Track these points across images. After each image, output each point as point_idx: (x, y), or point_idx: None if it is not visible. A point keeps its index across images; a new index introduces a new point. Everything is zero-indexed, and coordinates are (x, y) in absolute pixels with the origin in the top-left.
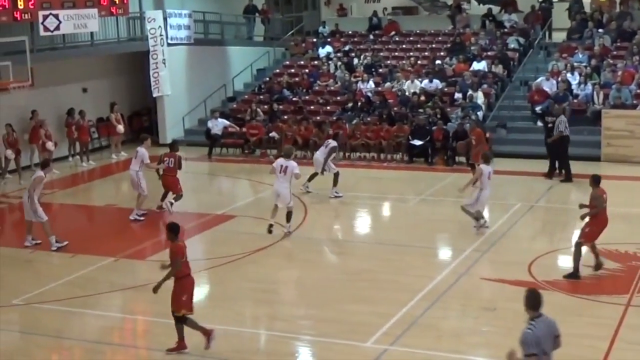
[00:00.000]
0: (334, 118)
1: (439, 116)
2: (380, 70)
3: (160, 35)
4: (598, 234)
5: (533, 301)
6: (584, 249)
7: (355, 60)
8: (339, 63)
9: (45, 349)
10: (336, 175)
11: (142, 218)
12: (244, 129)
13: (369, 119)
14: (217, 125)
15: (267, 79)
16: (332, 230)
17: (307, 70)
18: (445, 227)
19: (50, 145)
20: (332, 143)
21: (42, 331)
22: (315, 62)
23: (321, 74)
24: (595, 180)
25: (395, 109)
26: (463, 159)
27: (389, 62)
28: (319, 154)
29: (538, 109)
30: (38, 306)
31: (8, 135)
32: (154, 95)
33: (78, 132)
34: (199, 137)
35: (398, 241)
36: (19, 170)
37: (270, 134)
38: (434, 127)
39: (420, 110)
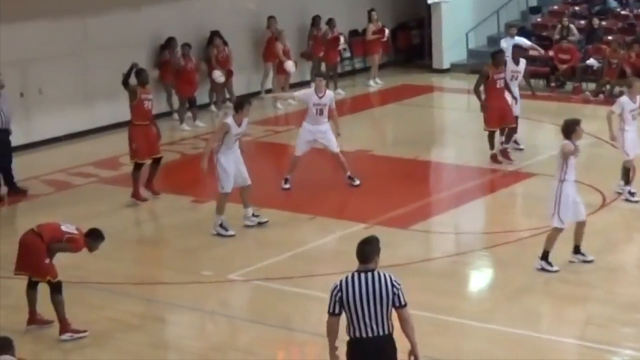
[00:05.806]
0: None
1: None
2: None
3: None
4: None
5: (358, 251)
6: None
7: None
8: None
9: (269, 342)
10: None
11: None
12: (551, 53)
13: None
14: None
15: None
16: None
17: None
18: None
19: (290, 65)
20: None
21: (265, 318)
22: None
23: None
24: None
25: None
26: None
27: None
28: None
29: None
30: (261, 284)
31: (217, 50)
32: (429, 2)
33: (325, 48)
34: (488, 61)
35: None
36: (232, 97)
37: (588, 61)
38: None
39: None
